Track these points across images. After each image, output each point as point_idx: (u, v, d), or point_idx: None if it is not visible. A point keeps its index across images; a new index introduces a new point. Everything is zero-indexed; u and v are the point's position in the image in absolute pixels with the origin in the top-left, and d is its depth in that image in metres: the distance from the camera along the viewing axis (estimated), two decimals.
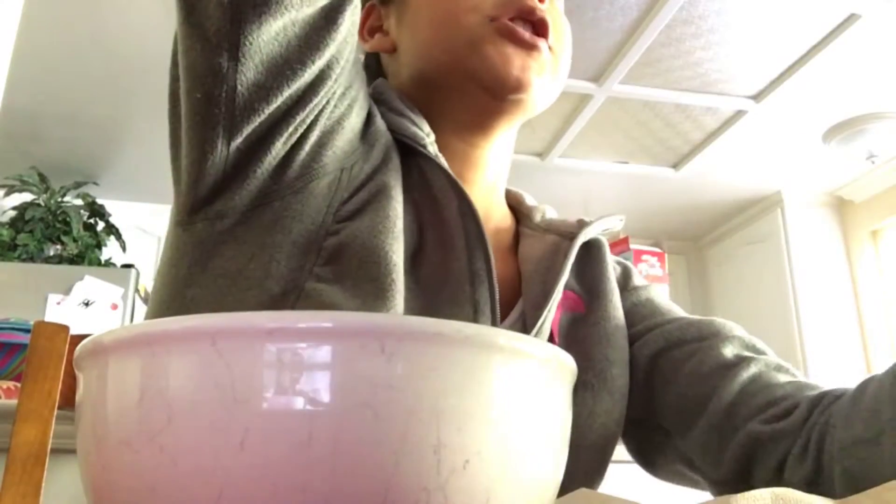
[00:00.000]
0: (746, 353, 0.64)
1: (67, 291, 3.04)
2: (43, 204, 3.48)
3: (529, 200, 0.75)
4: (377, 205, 0.56)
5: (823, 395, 0.57)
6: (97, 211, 3.59)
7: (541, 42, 0.61)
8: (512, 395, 0.28)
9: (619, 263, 0.75)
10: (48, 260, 3.37)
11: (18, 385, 0.91)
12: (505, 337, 0.29)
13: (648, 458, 0.70)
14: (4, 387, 1.41)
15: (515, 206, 0.75)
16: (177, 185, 0.57)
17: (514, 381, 0.29)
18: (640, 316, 0.69)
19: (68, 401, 0.68)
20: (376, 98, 0.66)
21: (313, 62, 0.52)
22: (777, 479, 0.56)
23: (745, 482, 0.58)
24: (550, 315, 0.63)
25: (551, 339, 0.63)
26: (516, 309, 0.64)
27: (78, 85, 2.89)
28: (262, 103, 0.51)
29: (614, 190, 3.78)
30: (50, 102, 3.04)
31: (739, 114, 3.08)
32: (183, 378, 0.27)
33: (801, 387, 0.60)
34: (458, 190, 0.60)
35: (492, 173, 0.69)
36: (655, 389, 0.65)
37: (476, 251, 0.59)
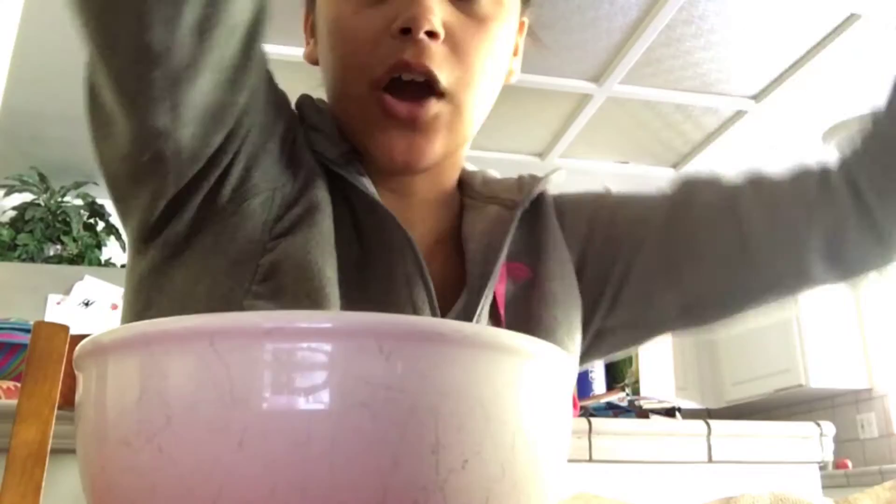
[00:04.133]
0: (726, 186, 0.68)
1: (67, 291, 3.04)
2: (43, 204, 3.48)
3: (469, 166, 0.73)
4: (310, 220, 0.56)
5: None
6: (97, 211, 3.58)
7: (420, 109, 0.57)
8: (511, 395, 0.28)
9: (561, 201, 0.72)
10: (48, 260, 3.37)
11: (18, 385, 0.91)
12: (504, 336, 0.29)
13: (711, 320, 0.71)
14: (4, 387, 1.41)
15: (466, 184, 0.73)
16: (124, 219, 0.60)
17: (512, 381, 0.29)
18: (623, 235, 0.69)
19: (68, 401, 0.68)
20: (303, 115, 0.65)
21: (242, 99, 0.54)
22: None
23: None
24: (488, 300, 0.63)
25: (497, 314, 0.63)
26: (461, 299, 0.64)
27: (78, 85, 2.89)
28: (205, 149, 0.54)
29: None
30: (50, 102, 3.04)
31: (739, 114, 3.08)
32: (182, 378, 0.27)
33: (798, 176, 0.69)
34: (374, 204, 0.60)
35: (439, 177, 0.67)
36: (684, 282, 0.67)
37: (406, 252, 0.59)
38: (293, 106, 0.66)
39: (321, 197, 0.58)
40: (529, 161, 3.45)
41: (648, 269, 0.67)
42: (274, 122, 0.60)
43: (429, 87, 0.57)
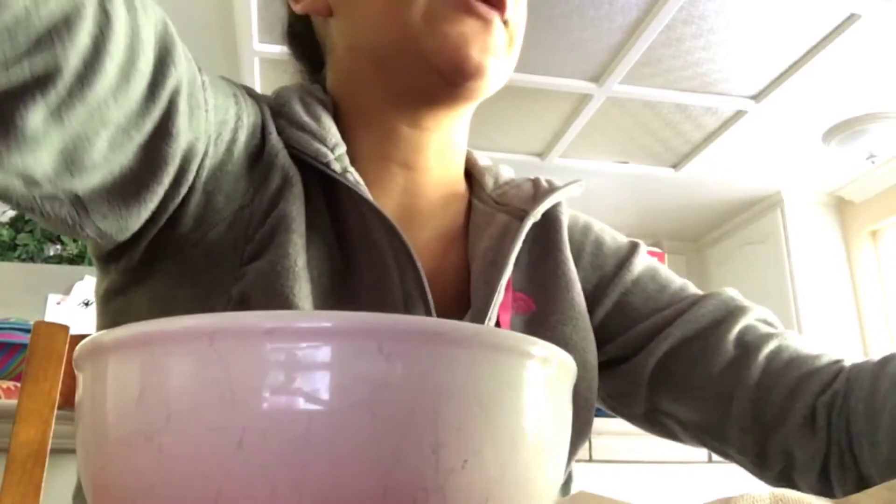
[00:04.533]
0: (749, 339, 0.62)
1: (67, 291, 3.03)
2: None
3: (483, 161, 0.68)
4: (277, 240, 0.51)
5: (835, 393, 0.58)
6: None
7: (495, 16, 0.54)
8: (511, 395, 0.28)
9: (585, 232, 0.68)
10: (48, 260, 3.37)
11: (18, 385, 0.91)
12: (504, 336, 0.29)
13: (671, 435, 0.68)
14: (4, 387, 1.41)
15: (469, 168, 0.67)
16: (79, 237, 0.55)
17: (513, 381, 0.29)
18: (635, 313, 0.65)
19: (68, 401, 0.68)
20: (277, 110, 0.58)
21: (167, 173, 0.47)
22: (825, 484, 0.57)
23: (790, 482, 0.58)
24: (492, 322, 0.57)
25: None
26: (467, 317, 0.58)
27: None
28: (148, 224, 0.49)
29: (614, 190, 3.77)
30: None
31: (739, 114, 3.08)
32: (181, 378, 0.27)
33: (809, 374, 0.59)
34: (373, 210, 0.54)
35: (447, 154, 0.62)
36: (671, 391, 0.63)
37: (406, 270, 0.54)
38: (268, 101, 0.60)
39: (292, 211, 0.53)
40: (529, 161, 3.45)
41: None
42: (233, 140, 0.53)
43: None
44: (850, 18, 2.46)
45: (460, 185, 0.65)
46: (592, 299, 0.65)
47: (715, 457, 1.54)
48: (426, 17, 0.53)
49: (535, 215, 0.61)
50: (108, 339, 0.29)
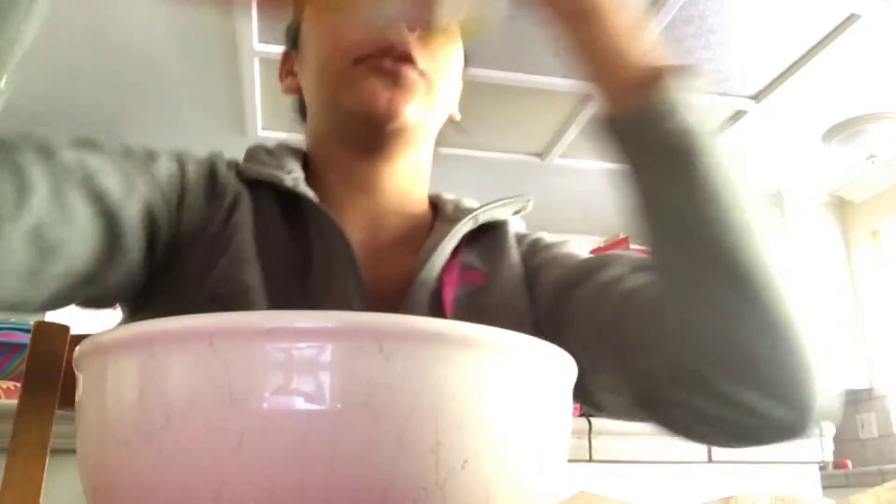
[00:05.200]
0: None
1: None
2: None
3: (447, 195, 0.78)
4: (232, 241, 0.63)
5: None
6: None
7: (404, 68, 0.64)
8: (511, 395, 0.28)
9: (529, 241, 0.76)
10: None
11: (18, 385, 0.91)
12: (504, 337, 0.29)
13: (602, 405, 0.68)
14: (4, 387, 1.41)
15: (434, 201, 0.78)
16: None
17: (512, 381, 0.29)
18: (546, 273, 0.71)
19: (68, 401, 0.68)
20: (248, 157, 0.73)
21: (132, 250, 0.59)
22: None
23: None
24: (414, 302, 0.65)
25: (443, 317, 0.64)
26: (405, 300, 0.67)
27: (78, 85, 2.89)
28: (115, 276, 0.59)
29: (614, 190, 3.77)
30: (50, 102, 3.04)
31: (739, 114, 3.08)
32: (181, 378, 0.27)
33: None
34: (323, 214, 0.65)
35: (404, 180, 0.72)
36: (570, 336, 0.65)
37: (348, 274, 0.64)
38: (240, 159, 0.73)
39: (243, 216, 0.65)
40: (529, 161, 3.45)
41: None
42: (181, 196, 0.64)
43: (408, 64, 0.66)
44: (850, 18, 2.46)
45: (422, 205, 0.75)
46: (556, 302, 0.69)
47: (715, 457, 1.54)
48: (346, 82, 0.66)
49: (475, 217, 0.71)
50: (108, 339, 0.29)
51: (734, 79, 2.83)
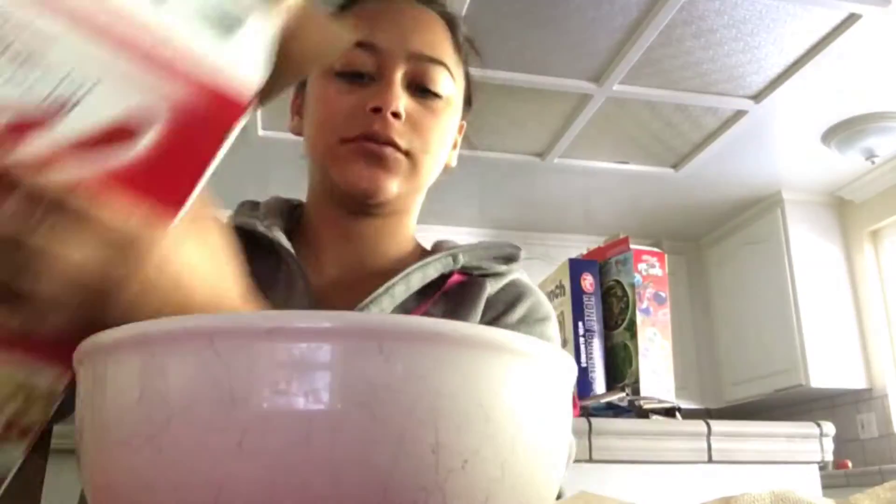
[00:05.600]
0: None
1: None
2: None
3: (448, 244, 0.81)
4: None
5: None
6: None
7: (387, 150, 0.69)
8: (510, 395, 0.28)
9: (521, 298, 0.78)
10: None
11: None
12: (504, 337, 0.29)
13: None
14: None
15: (434, 247, 0.83)
16: None
17: (512, 381, 0.29)
18: None
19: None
20: (236, 212, 0.80)
21: None
22: None
23: None
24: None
25: None
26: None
27: None
28: None
29: (614, 190, 3.77)
30: None
31: (739, 114, 3.08)
32: (181, 378, 0.27)
33: None
34: (287, 255, 0.72)
35: (387, 232, 0.77)
36: None
37: (304, 302, 0.69)
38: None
39: None
40: (529, 161, 3.45)
41: None
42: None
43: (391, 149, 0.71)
44: (850, 18, 2.46)
45: (407, 245, 0.79)
46: None
47: (715, 457, 1.54)
48: (332, 158, 0.71)
49: (454, 256, 0.75)
50: (108, 339, 0.29)
51: (734, 79, 2.83)
